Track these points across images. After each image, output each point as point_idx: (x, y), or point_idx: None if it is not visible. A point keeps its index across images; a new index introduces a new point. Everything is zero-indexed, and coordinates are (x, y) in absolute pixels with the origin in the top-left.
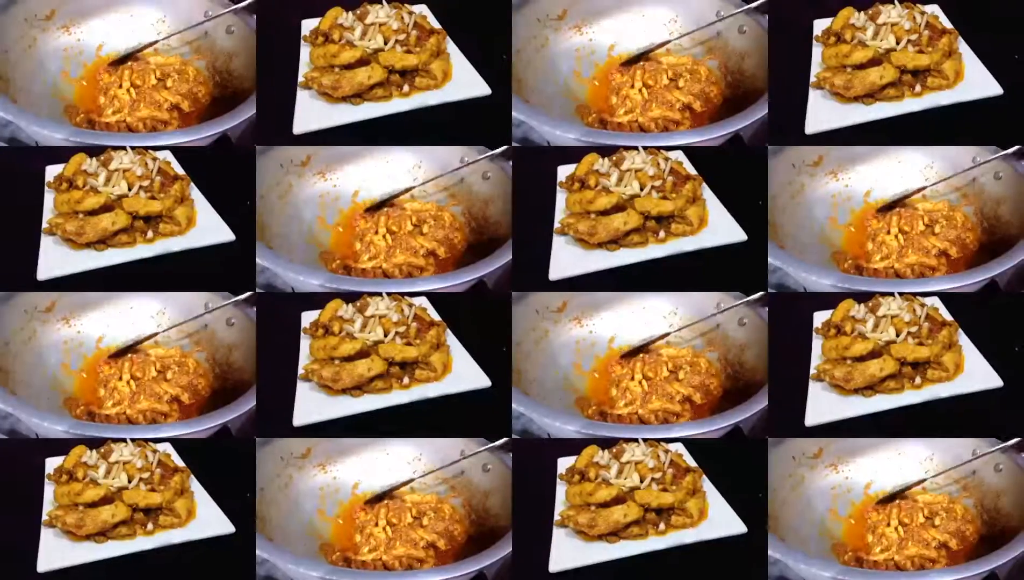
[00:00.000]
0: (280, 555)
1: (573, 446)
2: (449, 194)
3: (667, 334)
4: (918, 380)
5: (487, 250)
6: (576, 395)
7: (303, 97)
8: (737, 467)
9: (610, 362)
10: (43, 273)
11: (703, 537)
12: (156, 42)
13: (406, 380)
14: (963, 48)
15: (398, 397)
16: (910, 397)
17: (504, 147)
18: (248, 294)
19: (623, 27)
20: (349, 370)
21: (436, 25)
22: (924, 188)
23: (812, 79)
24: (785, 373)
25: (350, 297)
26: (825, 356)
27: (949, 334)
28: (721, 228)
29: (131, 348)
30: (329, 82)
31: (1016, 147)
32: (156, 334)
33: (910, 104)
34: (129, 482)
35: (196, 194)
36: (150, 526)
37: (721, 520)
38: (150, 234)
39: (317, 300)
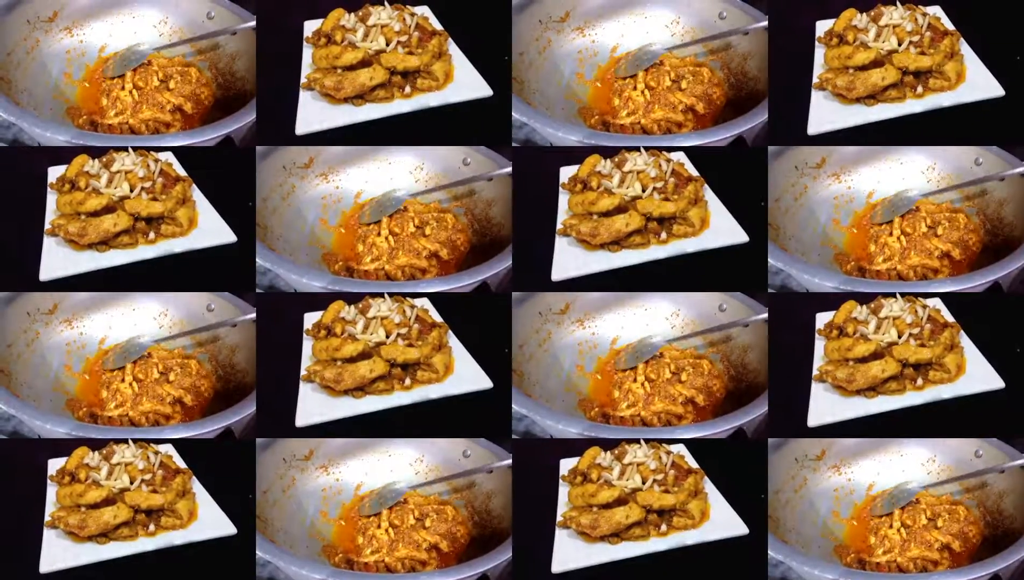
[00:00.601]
0: (283, 557)
1: (575, 447)
2: (452, 196)
3: (668, 342)
4: (920, 381)
5: (490, 252)
6: (579, 397)
7: (305, 98)
8: (738, 468)
9: (612, 363)
10: (45, 274)
11: (705, 538)
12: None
13: (408, 381)
14: (965, 49)
15: (400, 398)
16: (912, 398)
17: (508, 168)
18: (251, 316)
19: (625, 28)
20: (351, 371)
21: (438, 26)
22: (928, 193)
23: (814, 80)
24: (787, 374)
25: (352, 298)
26: (827, 357)
27: (951, 335)
28: (723, 229)
29: (130, 359)
30: (331, 83)
31: None
32: (158, 340)
33: (912, 105)
34: (131, 483)
35: (198, 195)
36: (152, 527)
37: (723, 521)
38: (152, 235)
39: (319, 301)
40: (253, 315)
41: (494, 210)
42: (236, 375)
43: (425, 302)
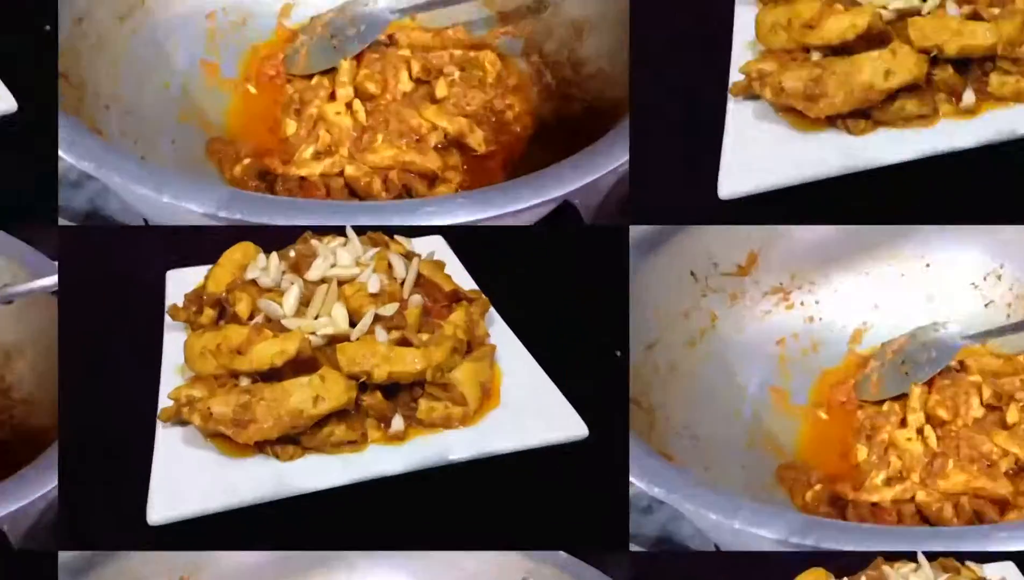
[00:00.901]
0: None
1: (775, 568)
2: (495, 13)
3: (978, 339)
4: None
5: (581, 137)
6: (779, 459)
7: None
8: None
9: (853, 387)
10: None
11: None
12: None
13: (399, 425)
14: None
15: (382, 462)
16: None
17: None
18: (49, 281)
19: None
20: (272, 401)
21: None
22: None
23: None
24: None
25: (274, 239)
26: None
27: None
28: None
29: None
30: None
31: None
32: None
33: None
34: None
35: None
36: None
37: None
38: None
39: (201, 246)
40: (54, 278)
41: (588, 46)
42: (15, 413)
43: (438, 247)
